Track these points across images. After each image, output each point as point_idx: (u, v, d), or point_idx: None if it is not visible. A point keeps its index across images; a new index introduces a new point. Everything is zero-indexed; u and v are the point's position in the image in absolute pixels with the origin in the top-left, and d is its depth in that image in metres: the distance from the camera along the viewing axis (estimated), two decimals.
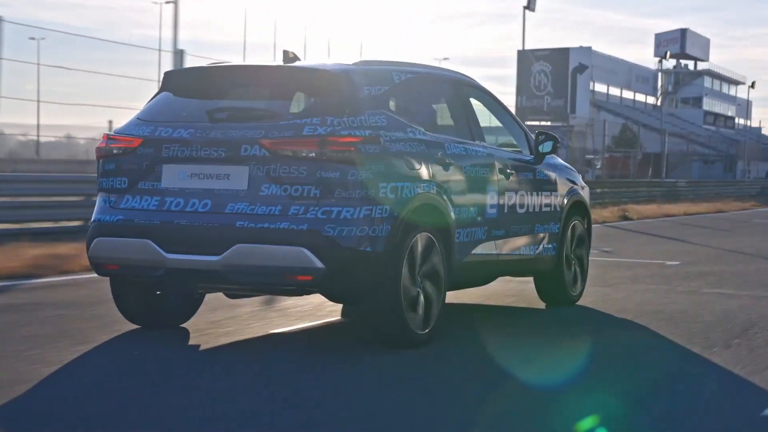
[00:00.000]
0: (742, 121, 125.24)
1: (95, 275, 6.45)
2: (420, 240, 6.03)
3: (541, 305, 8.15)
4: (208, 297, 7.24)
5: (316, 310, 7.53)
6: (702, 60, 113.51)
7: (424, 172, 6.13)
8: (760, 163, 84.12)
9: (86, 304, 7.67)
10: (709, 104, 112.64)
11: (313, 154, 5.61)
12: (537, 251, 7.65)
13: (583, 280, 8.42)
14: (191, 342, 6.22)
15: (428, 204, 6.12)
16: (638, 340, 6.67)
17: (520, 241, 7.40)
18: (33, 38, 57.32)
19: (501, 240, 7.09)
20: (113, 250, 5.94)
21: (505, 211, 7.12)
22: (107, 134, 6.18)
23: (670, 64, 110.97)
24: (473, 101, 7.24)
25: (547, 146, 7.73)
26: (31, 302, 7.91)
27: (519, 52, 63.90)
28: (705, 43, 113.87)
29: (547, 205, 7.78)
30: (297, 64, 6.24)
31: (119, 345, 6.12)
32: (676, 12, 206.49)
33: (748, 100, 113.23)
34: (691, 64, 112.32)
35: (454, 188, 6.42)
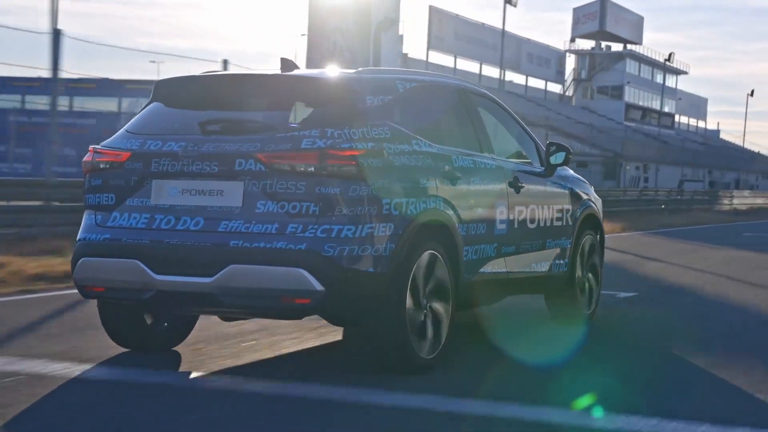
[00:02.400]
0: (693, 122, 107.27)
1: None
2: (426, 259, 5.66)
3: (551, 323, 7.77)
4: (202, 318, 6.86)
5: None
6: (632, 42, 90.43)
7: (430, 186, 5.76)
8: (675, 168, 66.91)
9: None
10: (634, 95, 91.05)
11: (312, 169, 5.25)
12: (548, 268, 7.28)
13: (597, 298, 8.05)
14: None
15: (435, 220, 5.76)
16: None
17: (531, 258, 7.03)
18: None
19: (511, 257, 6.72)
20: (99, 271, 5.56)
21: (516, 226, 6.76)
22: (94, 147, 5.82)
23: (588, 45, 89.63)
24: (481, 111, 6.88)
25: (558, 157, 7.37)
26: None
27: (311, 2, 45.48)
28: (636, 21, 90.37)
29: (558, 219, 7.42)
30: (295, 72, 5.88)
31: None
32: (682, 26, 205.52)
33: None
34: (619, 47, 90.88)
35: (462, 203, 6.05)
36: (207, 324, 7.01)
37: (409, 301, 5.50)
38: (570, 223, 7.59)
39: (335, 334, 7.05)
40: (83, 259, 5.61)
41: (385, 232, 5.36)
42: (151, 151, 5.53)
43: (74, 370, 5.68)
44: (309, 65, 42.97)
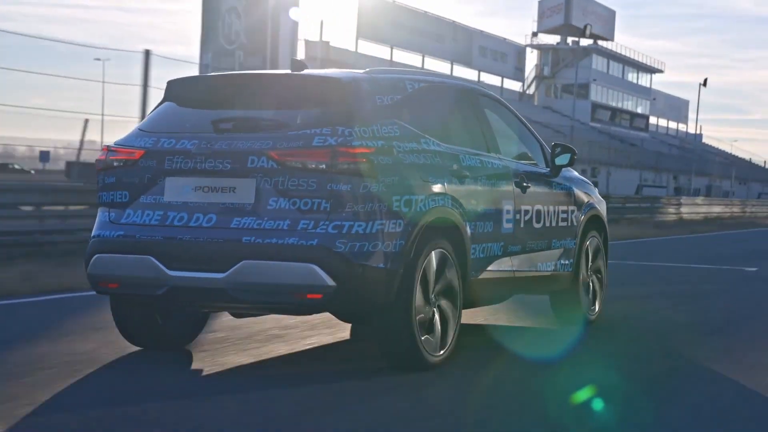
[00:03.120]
0: (673, 125, 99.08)
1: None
2: (434, 256, 5.75)
3: (556, 324, 7.85)
4: (213, 316, 6.94)
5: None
6: (603, 38, 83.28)
7: (438, 184, 5.85)
8: (636, 172, 61.20)
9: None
10: (601, 94, 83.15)
11: (324, 166, 5.33)
12: (553, 268, 7.36)
13: (601, 299, 8.13)
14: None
15: (443, 218, 5.84)
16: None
17: (537, 258, 7.11)
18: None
19: (517, 256, 6.80)
20: (114, 267, 5.64)
21: (522, 225, 6.84)
22: (107, 146, 5.91)
23: (554, 41, 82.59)
24: (487, 112, 6.97)
25: (563, 159, 7.46)
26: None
27: None
28: (607, 16, 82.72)
29: (563, 220, 7.50)
30: (306, 72, 5.97)
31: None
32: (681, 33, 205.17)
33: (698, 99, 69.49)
34: (588, 44, 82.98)
35: (469, 202, 6.14)
36: (217, 322, 7.09)
37: (417, 298, 5.58)
38: (575, 223, 7.68)
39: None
40: (97, 255, 5.69)
41: (394, 229, 5.44)
42: (165, 149, 5.62)
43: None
44: (203, 50, 39.87)
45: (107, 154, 5.83)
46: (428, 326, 5.72)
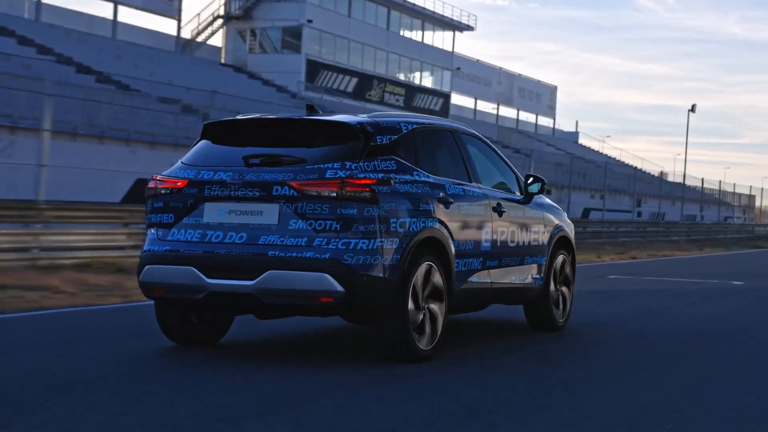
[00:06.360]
0: (527, 117, 71.91)
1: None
2: (425, 268, 6.96)
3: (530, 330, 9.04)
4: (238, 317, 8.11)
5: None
6: None
7: (428, 209, 7.07)
8: None
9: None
10: (329, 48, 51.72)
11: (335, 194, 6.56)
12: (526, 281, 8.58)
13: (569, 310, 9.33)
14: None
15: (432, 237, 7.05)
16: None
17: (512, 272, 8.32)
18: None
19: (494, 270, 8.02)
20: (161, 276, 6.86)
21: (498, 244, 8.06)
22: (156, 176, 7.13)
23: None
24: (470, 147, 8.21)
25: (535, 187, 8.69)
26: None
27: None
28: None
29: (535, 240, 8.72)
30: (319, 116, 7.21)
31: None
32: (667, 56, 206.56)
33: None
34: None
35: (454, 224, 7.36)
36: (242, 323, 8.27)
37: (410, 303, 6.81)
38: (545, 243, 8.90)
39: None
40: (148, 266, 6.92)
41: (392, 246, 6.68)
42: (204, 179, 6.85)
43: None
44: None
45: (156, 183, 7.06)
46: (419, 325, 6.93)
